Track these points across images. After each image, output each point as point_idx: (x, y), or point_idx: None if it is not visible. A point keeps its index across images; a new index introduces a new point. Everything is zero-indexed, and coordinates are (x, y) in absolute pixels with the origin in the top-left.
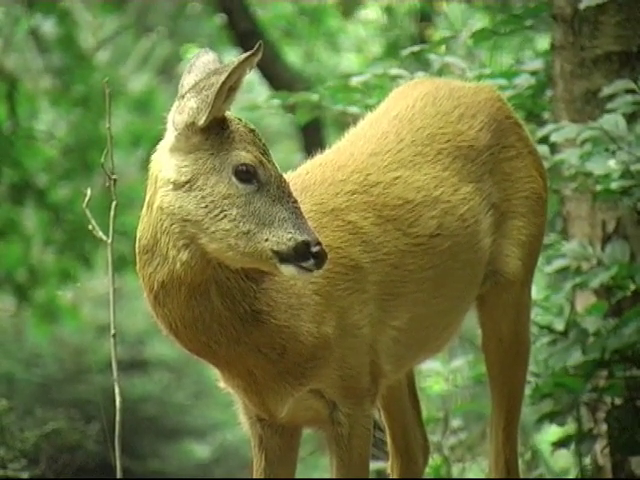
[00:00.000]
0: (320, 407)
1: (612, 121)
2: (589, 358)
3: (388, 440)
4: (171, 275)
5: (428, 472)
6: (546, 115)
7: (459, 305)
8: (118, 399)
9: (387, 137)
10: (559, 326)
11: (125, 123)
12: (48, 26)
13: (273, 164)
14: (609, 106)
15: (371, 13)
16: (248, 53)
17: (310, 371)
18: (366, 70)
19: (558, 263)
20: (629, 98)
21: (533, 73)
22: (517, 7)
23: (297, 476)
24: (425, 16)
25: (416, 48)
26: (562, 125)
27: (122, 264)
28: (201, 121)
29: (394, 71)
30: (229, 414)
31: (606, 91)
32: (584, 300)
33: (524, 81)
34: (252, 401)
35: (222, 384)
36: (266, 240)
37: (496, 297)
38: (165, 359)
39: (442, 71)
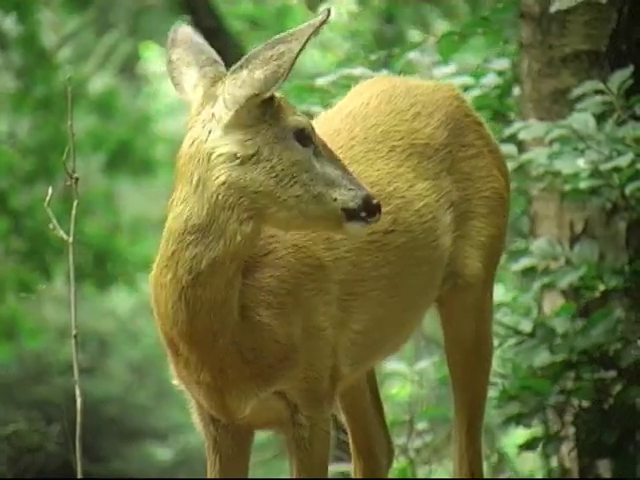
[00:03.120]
0: (281, 409)
1: (581, 120)
2: (556, 359)
3: (350, 442)
4: (226, 249)
5: (394, 474)
6: (512, 115)
7: (417, 304)
8: (79, 400)
9: (339, 134)
10: (526, 327)
11: (86, 126)
12: (8, 23)
13: None
14: (578, 107)
15: (335, 11)
16: (319, 19)
17: (280, 372)
18: (331, 70)
19: (525, 262)
20: (598, 99)
21: (500, 73)
22: (485, 8)
23: (258, 478)
24: (391, 16)
25: (383, 53)
26: (530, 123)
27: (80, 275)
28: (269, 92)
29: (358, 71)
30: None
31: (576, 92)
32: (552, 302)
33: (491, 81)
34: (212, 400)
35: (176, 381)
36: (335, 200)
37: (455, 299)
38: (127, 359)
39: (407, 69)
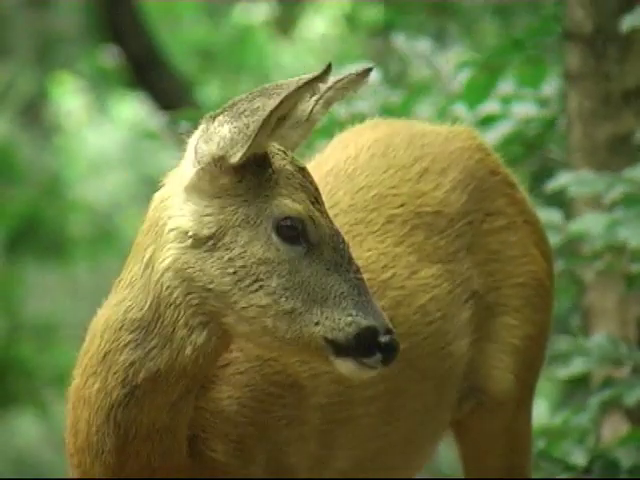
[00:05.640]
0: None
1: None
2: None
3: None
4: (172, 363)
5: None
6: (554, 152)
7: (421, 435)
8: None
9: None
10: (581, 460)
11: None
12: None
13: (327, 217)
14: None
15: (316, 28)
16: (312, 74)
17: None
18: None
19: (577, 366)
20: None
21: (541, 102)
22: (517, 27)
23: None
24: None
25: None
26: (584, 175)
27: None
28: (236, 157)
29: (344, 112)
30: None
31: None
32: (614, 425)
33: (528, 111)
34: None
35: None
36: (317, 323)
37: (480, 424)
38: None
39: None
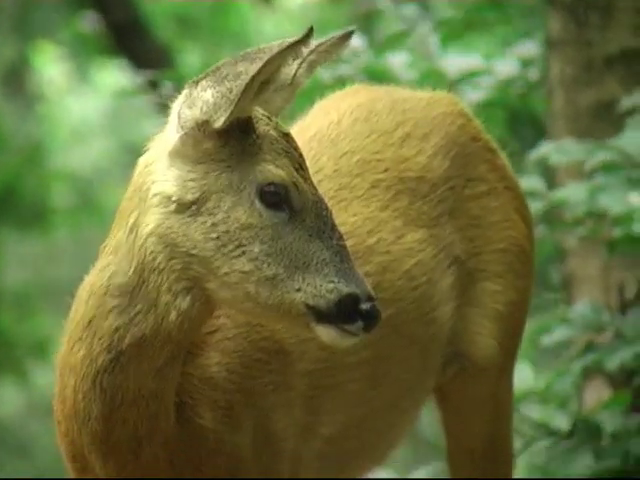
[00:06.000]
0: None
1: (635, 140)
2: (604, 466)
3: None
4: (157, 328)
5: None
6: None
7: (407, 399)
8: None
9: None
10: (563, 424)
11: None
12: None
13: (311, 183)
14: (630, 122)
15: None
16: (294, 38)
17: None
18: None
19: (560, 334)
20: None
21: (524, 63)
22: None
23: None
24: None
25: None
26: (565, 144)
27: None
28: (219, 122)
29: (328, 74)
30: None
31: (624, 104)
32: (596, 390)
33: (511, 69)
34: None
35: None
36: (298, 290)
37: (462, 390)
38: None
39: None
